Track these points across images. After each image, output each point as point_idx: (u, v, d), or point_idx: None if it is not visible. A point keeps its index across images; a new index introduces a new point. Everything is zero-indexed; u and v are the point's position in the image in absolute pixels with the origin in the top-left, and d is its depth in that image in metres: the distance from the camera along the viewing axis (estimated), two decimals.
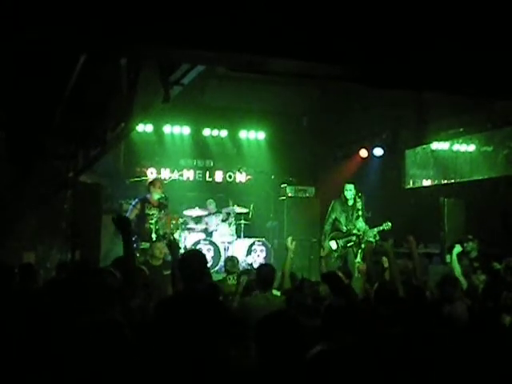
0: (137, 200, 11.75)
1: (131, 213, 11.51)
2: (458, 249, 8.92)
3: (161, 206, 11.62)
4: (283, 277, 7.65)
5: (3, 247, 10.82)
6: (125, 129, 8.28)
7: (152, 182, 11.92)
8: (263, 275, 6.81)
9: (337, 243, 11.93)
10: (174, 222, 12.06)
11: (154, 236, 11.54)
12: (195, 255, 5.53)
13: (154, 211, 11.50)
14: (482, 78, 6.26)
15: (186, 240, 13.67)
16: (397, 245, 13.54)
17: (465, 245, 10.13)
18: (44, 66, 6.37)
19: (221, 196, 15.28)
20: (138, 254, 11.33)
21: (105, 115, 8.17)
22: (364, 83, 6.00)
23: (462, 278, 8.01)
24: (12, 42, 5.22)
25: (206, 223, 14.29)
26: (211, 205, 14.56)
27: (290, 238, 8.04)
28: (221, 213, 14.41)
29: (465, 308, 6.04)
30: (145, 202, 11.58)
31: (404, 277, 7.38)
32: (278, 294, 7.69)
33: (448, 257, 10.47)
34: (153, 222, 11.52)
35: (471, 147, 13.95)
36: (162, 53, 5.11)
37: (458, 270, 8.38)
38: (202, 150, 16.42)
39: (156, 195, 11.55)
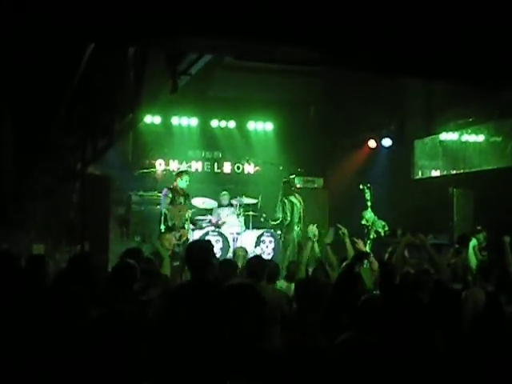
0: (166, 189, 12.32)
1: (164, 202, 12.05)
2: (474, 242, 8.95)
3: (185, 194, 12.33)
4: (298, 266, 7.67)
5: (12, 239, 10.86)
6: (132, 119, 8.30)
7: (180, 173, 12.57)
8: (269, 268, 6.86)
9: None
10: (181, 212, 12.09)
11: (162, 227, 11.67)
12: (199, 245, 5.59)
13: (182, 199, 12.17)
14: (489, 68, 6.23)
15: (195, 231, 13.66)
16: (405, 235, 13.56)
17: (477, 237, 10.14)
18: (51, 56, 6.37)
19: (229, 187, 15.24)
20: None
21: (112, 106, 8.17)
22: (371, 72, 5.99)
23: (475, 269, 8.04)
24: (21, 35, 5.23)
25: (218, 214, 14.28)
26: (225, 196, 14.53)
27: (313, 226, 8.12)
28: (233, 205, 14.39)
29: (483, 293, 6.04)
30: (173, 190, 12.20)
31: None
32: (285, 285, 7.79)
33: (457, 247, 10.45)
34: (163, 212, 11.80)
35: (480, 137, 13.88)
36: (170, 42, 5.11)
37: (473, 261, 8.39)
38: (210, 142, 16.41)
39: (182, 184, 12.22)
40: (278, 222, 13.19)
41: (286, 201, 13.18)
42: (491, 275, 6.82)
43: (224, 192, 14.58)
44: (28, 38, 5.27)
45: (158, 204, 12.83)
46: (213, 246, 5.43)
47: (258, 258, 7.24)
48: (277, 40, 4.65)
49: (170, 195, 12.11)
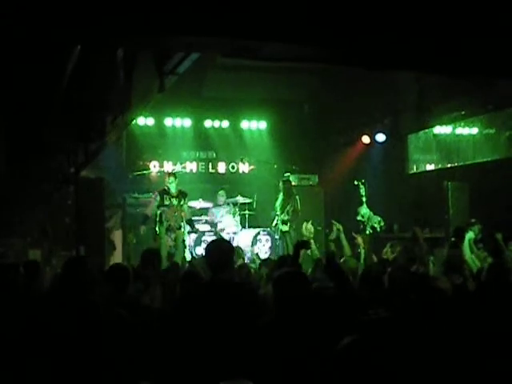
0: (156, 192, 12.44)
1: (151, 205, 12.14)
2: (470, 235, 8.96)
3: (179, 195, 12.31)
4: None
5: (9, 245, 10.83)
6: (123, 120, 8.28)
7: (170, 174, 12.66)
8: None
9: None
10: (176, 214, 12.07)
11: (157, 229, 11.66)
12: (221, 245, 5.39)
13: (174, 201, 12.21)
14: (481, 58, 6.21)
15: (191, 233, 13.62)
16: (402, 230, 13.61)
17: (472, 229, 10.13)
18: (39, 60, 6.34)
19: (225, 187, 15.22)
20: None
21: (103, 108, 8.15)
22: (362, 66, 5.96)
23: (471, 262, 8.06)
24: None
25: (213, 214, 14.28)
26: (222, 196, 14.51)
27: (308, 224, 8.11)
28: (229, 205, 14.39)
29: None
30: (162, 193, 12.22)
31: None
32: None
33: (453, 240, 10.45)
34: (158, 214, 11.82)
35: (473, 130, 13.90)
36: (156, 40, 5.08)
37: (468, 253, 8.40)
38: (203, 142, 16.39)
39: (170, 186, 12.26)
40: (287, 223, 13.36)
41: (289, 200, 13.38)
42: (459, 268, 6.83)
43: (221, 191, 14.57)
44: (14, 41, 5.24)
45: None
46: (233, 247, 5.39)
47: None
48: (264, 37, 4.63)
49: (158, 198, 12.20)
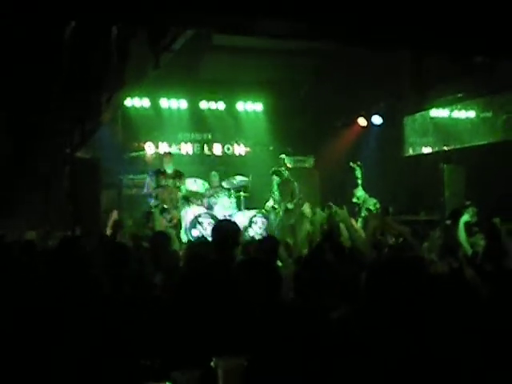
0: (151, 172, 12.28)
1: (148, 186, 11.96)
2: (465, 217, 8.97)
3: (176, 176, 12.17)
4: (294, 245, 7.66)
5: (5, 226, 10.84)
6: (118, 99, 8.24)
7: (166, 154, 12.59)
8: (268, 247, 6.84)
9: None
10: (172, 196, 12.02)
11: (153, 210, 11.66)
12: (228, 225, 5.54)
13: (169, 181, 12.06)
14: (482, 38, 6.18)
15: (187, 213, 13.58)
16: (398, 212, 13.63)
17: (467, 211, 10.14)
18: (35, 41, 6.30)
19: (220, 169, 15.17)
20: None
21: (98, 87, 8.10)
22: (359, 45, 5.93)
23: (466, 245, 8.06)
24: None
25: (208, 196, 14.26)
26: (215, 177, 14.46)
27: (306, 205, 8.13)
28: (223, 186, 14.34)
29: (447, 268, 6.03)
30: (158, 173, 12.05)
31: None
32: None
33: (447, 222, 10.46)
34: (153, 195, 11.77)
35: (470, 113, 13.89)
36: (150, 17, 5.04)
37: (463, 236, 8.40)
38: (199, 123, 16.30)
39: (166, 167, 12.10)
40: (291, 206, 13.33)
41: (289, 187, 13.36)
42: (456, 252, 6.84)
43: (214, 173, 14.50)
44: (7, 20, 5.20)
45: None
46: (239, 228, 5.43)
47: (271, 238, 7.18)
48: (254, 12, 4.59)
49: (154, 178, 12.07)
